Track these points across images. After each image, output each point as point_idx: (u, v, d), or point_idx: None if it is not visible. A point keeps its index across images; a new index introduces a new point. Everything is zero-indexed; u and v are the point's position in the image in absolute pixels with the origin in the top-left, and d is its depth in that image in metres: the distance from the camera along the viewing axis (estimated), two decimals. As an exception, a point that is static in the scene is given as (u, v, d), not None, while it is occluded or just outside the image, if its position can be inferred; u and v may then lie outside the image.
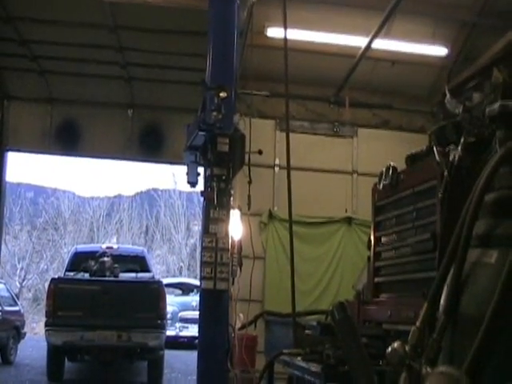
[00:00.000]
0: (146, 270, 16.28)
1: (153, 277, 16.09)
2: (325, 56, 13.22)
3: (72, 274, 15.05)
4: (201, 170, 9.02)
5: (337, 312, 3.52)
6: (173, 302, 21.90)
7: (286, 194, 8.16)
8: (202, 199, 8.99)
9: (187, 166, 9.24)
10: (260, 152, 9.45)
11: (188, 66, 14.41)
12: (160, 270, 38.92)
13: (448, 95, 5.20)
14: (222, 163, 8.43)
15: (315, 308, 11.50)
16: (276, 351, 6.08)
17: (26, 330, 19.17)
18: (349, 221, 13.57)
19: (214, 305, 8.47)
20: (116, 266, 14.59)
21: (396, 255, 6.02)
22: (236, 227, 9.17)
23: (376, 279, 6.41)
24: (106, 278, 14.04)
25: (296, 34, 11.65)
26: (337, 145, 13.99)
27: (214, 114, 8.07)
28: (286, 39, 8.57)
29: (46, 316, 13.27)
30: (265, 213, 13.19)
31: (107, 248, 16.25)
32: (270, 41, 12.20)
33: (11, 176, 30.14)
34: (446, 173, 4.33)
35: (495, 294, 2.01)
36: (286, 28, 8.60)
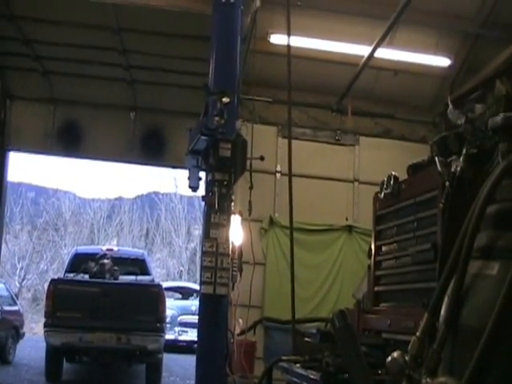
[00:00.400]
0: (146, 273, 16.29)
1: (152, 280, 16.10)
2: (328, 64, 13.24)
3: (72, 275, 15.05)
4: (202, 174, 9.04)
5: (337, 320, 3.54)
6: (172, 305, 21.89)
7: (286, 200, 8.16)
8: (203, 204, 9.00)
9: (189, 170, 9.25)
10: (262, 158, 9.48)
11: (191, 70, 14.43)
12: (160, 273, 38.93)
13: (450, 106, 5.22)
14: (223, 168, 8.44)
15: (315, 315, 11.51)
16: (275, 357, 6.07)
17: (24, 329, 19.17)
18: (349, 229, 13.57)
19: (213, 310, 8.47)
20: (116, 268, 14.59)
21: (396, 265, 6.01)
22: (236, 232, 9.18)
23: (376, 288, 6.41)
24: (106, 280, 14.04)
25: (299, 41, 11.66)
26: (338, 153, 13.99)
27: (217, 119, 8.09)
28: (289, 46, 8.58)
29: (45, 316, 13.27)
30: (265, 219, 13.19)
31: (107, 250, 16.25)
32: (274, 47, 12.22)
33: (12, 175, 30.13)
34: (447, 183, 4.35)
35: (496, 306, 2.02)
36: (289, 35, 8.62)
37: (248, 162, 9.00)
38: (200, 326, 8.87)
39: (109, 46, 14.35)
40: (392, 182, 6.04)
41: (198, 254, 33.56)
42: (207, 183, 8.71)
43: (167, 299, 14.87)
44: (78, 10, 13.11)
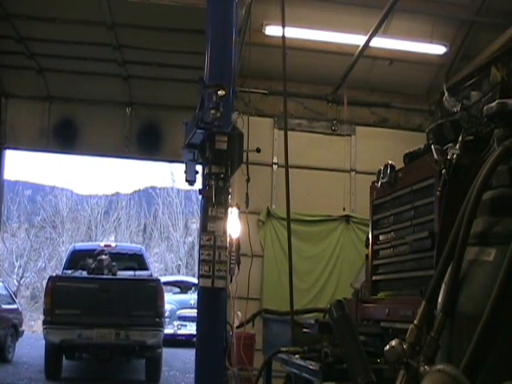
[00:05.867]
0: (144, 268, 16.29)
1: (151, 275, 16.11)
2: (323, 54, 13.20)
3: (70, 272, 15.06)
4: (199, 168, 9.01)
5: (335, 310, 3.52)
6: (171, 300, 21.93)
7: (284, 192, 8.13)
8: (200, 197, 8.98)
9: (185, 164, 9.22)
10: (258, 150, 9.44)
11: (186, 64, 14.40)
12: (158, 268, 39.02)
13: (446, 93, 5.20)
14: (220, 161, 8.40)
15: (313, 306, 11.49)
16: (274, 349, 6.07)
17: (23, 327, 19.22)
18: (347, 219, 13.54)
19: (211, 303, 8.45)
20: (114, 264, 14.60)
21: (394, 253, 6.02)
22: (234, 225, 9.15)
23: (374, 277, 6.42)
24: (104, 276, 14.06)
25: (294, 32, 11.64)
26: (335, 143, 13.96)
27: (213, 112, 8.04)
28: (284, 37, 8.55)
29: (44, 314, 13.29)
30: (263, 211, 13.17)
31: (105, 246, 16.28)
32: (269, 39, 12.19)
33: (9, 174, 30.21)
34: (444, 171, 4.34)
35: (493, 292, 2.01)
36: (284, 26, 8.58)
37: (244, 154, 8.95)
38: (199, 320, 8.85)
39: (103, 41, 14.28)
40: (389, 171, 6.04)
41: (196, 248, 33.51)
42: (204, 176, 8.67)
43: (166, 293, 14.90)
44: (71, 6, 13.05)
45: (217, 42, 9.18)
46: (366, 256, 6.84)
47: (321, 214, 13.46)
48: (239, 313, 9.99)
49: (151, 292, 13.49)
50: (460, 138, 4.32)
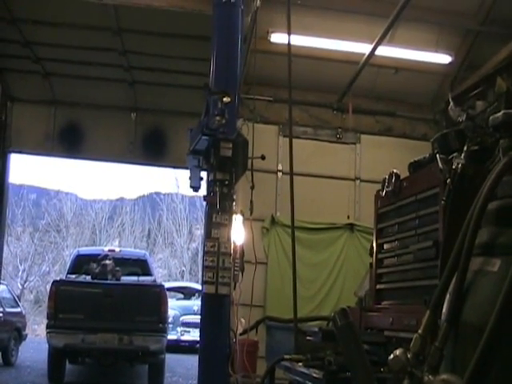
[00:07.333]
0: (148, 273, 16.29)
1: (154, 280, 16.09)
2: (328, 62, 13.21)
3: (74, 276, 15.04)
4: (204, 174, 9.03)
5: (339, 318, 3.52)
6: (174, 306, 21.90)
7: (288, 199, 8.14)
8: (204, 204, 8.99)
9: (190, 170, 9.24)
10: (263, 157, 9.44)
11: (191, 70, 14.43)
12: (162, 273, 38.97)
13: (451, 103, 5.20)
14: (224, 168, 8.42)
15: (317, 314, 11.50)
16: (277, 357, 6.07)
17: (27, 331, 19.20)
18: (351, 227, 13.52)
19: (215, 309, 8.46)
20: (118, 269, 14.57)
21: (398, 262, 6.02)
22: (238, 232, 9.16)
23: (378, 286, 6.42)
24: (108, 281, 14.03)
25: (300, 40, 11.64)
26: (339, 151, 13.96)
27: (218, 118, 8.06)
28: (289, 45, 8.57)
29: (48, 318, 13.28)
30: (267, 218, 13.16)
31: (109, 251, 16.26)
32: (274, 46, 12.20)
33: (14, 177, 30.22)
34: (448, 180, 4.35)
35: (498, 303, 2.02)
36: (289, 34, 8.60)
37: (249, 161, 8.97)
38: (202, 326, 8.86)
39: (109, 46, 14.33)
40: (393, 180, 6.05)
41: (200, 254, 33.47)
42: (208, 183, 8.69)
43: (169, 299, 14.88)
44: (78, 11, 13.09)
45: (222, 49, 9.21)
46: (370, 264, 6.84)
47: (325, 221, 13.45)
48: (243, 320, 9.99)
49: (155, 297, 13.47)
50: (465, 148, 4.33)
